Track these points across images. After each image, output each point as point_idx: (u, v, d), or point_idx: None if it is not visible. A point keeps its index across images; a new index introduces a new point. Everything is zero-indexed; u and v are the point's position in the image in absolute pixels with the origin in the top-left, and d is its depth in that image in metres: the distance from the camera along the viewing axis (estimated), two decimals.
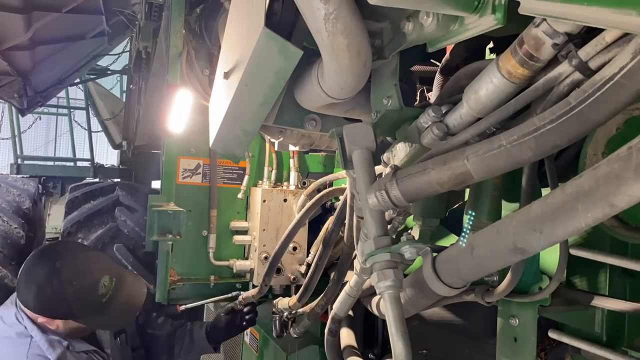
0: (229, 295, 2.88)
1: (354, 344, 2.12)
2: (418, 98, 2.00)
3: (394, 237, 1.65)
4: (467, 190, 1.60)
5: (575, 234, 1.15)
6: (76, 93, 10.01)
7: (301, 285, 2.40)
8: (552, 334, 1.50)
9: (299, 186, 3.12)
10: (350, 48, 1.12)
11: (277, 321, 2.55)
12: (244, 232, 3.09)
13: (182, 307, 2.87)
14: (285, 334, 2.56)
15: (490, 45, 1.57)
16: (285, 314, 2.52)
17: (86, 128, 8.20)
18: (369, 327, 2.44)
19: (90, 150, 7.93)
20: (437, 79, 1.74)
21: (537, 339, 1.40)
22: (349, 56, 1.13)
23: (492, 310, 1.55)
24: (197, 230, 3.02)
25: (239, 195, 3.07)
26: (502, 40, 1.40)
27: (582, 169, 1.28)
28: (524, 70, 0.97)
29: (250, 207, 3.11)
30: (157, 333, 2.79)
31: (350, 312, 2.20)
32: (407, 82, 1.85)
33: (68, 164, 8.52)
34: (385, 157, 1.49)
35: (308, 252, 2.93)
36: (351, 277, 1.76)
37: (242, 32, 1.43)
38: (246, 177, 3.10)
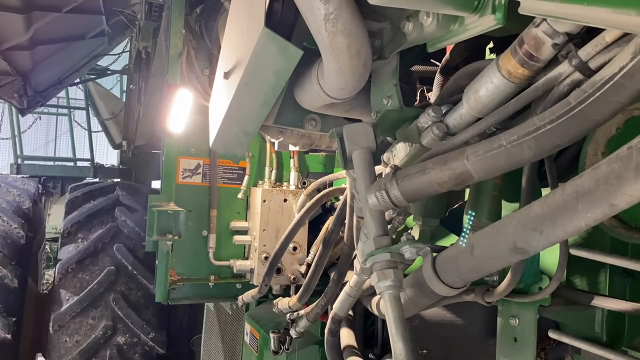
0: None
1: (354, 344, 2.12)
2: (418, 98, 1.99)
3: (394, 237, 1.65)
4: (467, 190, 1.60)
5: (575, 234, 1.15)
6: (76, 93, 10.00)
7: (301, 285, 2.40)
8: (552, 334, 1.50)
9: (299, 186, 3.12)
10: (350, 48, 1.12)
11: (275, 339, 2.55)
12: (244, 232, 3.09)
13: None
14: (282, 350, 2.57)
15: (490, 45, 1.57)
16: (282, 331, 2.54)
17: (86, 128, 8.19)
18: (369, 327, 2.43)
19: (90, 150, 7.92)
20: (437, 79, 1.74)
21: (537, 339, 1.40)
22: (349, 56, 1.13)
23: (492, 310, 1.55)
24: (197, 230, 3.01)
25: (239, 195, 3.07)
26: (502, 40, 1.40)
27: (582, 169, 1.28)
28: (524, 70, 0.97)
29: (250, 207, 3.11)
30: None
31: (350, 312, 2.20)
32: (407, 82, 1.84)
33: (68, 164, 8.52)
34: (385, 157, 1.49)
35: (308, 252, 2.93)
36: (351, 277, 1.76)
37: (242, 32, 1.43)
38: (246, 177, 3.09)
